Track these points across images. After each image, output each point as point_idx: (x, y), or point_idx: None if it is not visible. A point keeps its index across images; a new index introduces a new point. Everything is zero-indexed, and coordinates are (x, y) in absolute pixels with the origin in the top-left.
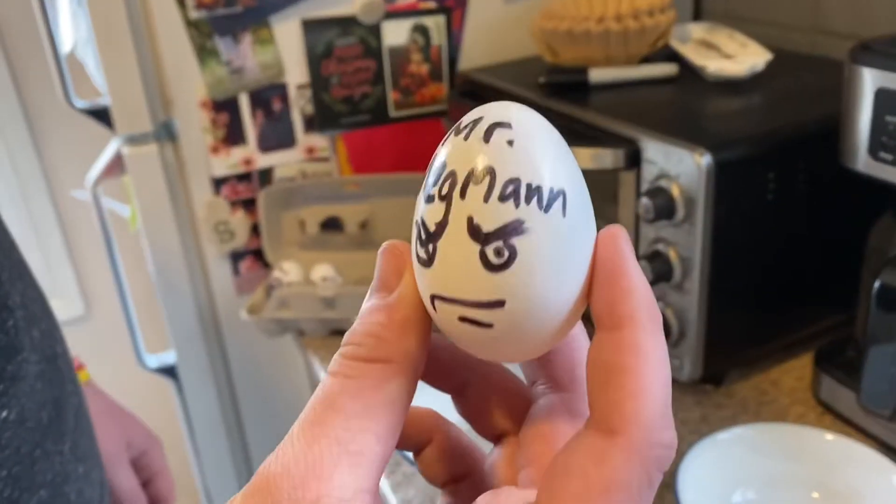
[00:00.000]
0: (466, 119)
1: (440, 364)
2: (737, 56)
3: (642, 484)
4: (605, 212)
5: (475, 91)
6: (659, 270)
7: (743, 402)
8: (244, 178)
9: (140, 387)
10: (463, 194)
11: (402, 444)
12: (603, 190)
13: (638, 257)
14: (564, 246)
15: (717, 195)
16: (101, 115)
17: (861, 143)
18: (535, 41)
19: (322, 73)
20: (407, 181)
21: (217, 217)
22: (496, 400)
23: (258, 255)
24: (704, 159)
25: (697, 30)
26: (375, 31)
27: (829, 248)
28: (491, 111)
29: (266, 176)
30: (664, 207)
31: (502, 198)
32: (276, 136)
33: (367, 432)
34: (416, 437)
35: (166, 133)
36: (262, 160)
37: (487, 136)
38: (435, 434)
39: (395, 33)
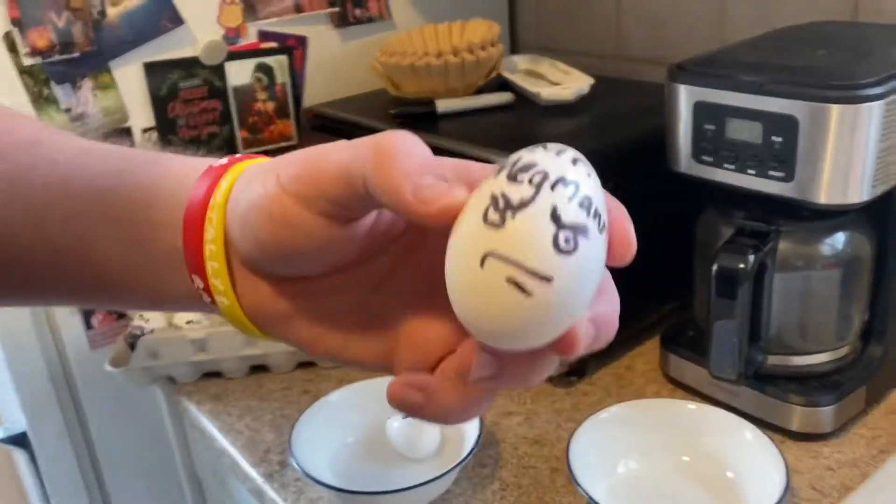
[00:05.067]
0: (549, 146)
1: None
2: (562, 82)
3: None
4: None
5: (326, 125)
6: None
7: (605, 388)
8: None
9: None
10: (553, 188)
11: None
12: None
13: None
14: (601, 265)
15: None
16: None
17: (683, 148)
18: (376, 76)
19: (168, 116)
20: None
21: None
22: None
23: None
24: None
25: (521, 61)
26: (219, 71)
27: (661, 245)
28: (569, 148)
29: None
30: None
31: (580, 205)
32: None
33: None
34: None
35: None
36: None
37: (574, 162)
38: None
39: (239, 73)
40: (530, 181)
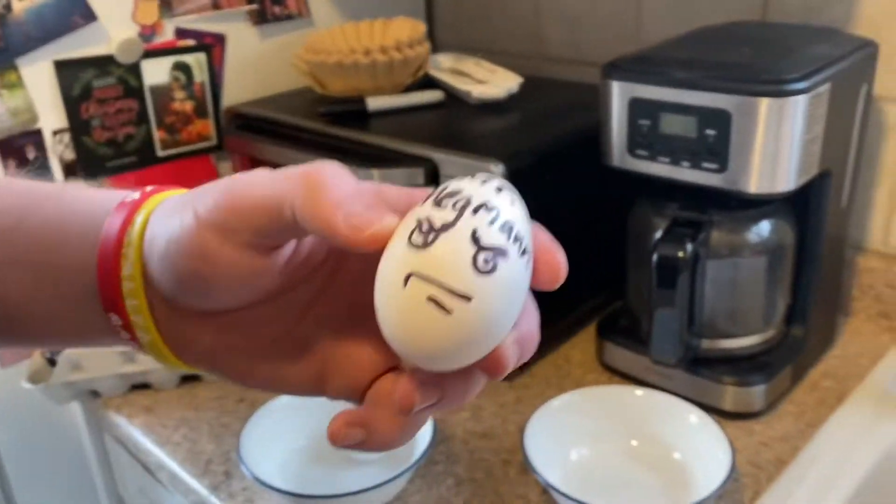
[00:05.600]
0: (478, 175)
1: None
2: (489, 81)
3: None
4: None
5: (250, 124)
6: None
7: (546, 379)
8: None
9: None
10: (475, 212)
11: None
12: None
13: None
14: (522, 287)
15: None
16: None
17: (618, 143)
18: (299, 74)
19: (81, 117)
20: None
21: None
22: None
23: None
24: (499, 169)
25: (446, 60)
26: (135, 70)
27: (595, 237)
28: (495, 178)
29: None
30: None
31: (501, 229)
32: None
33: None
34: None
35: None
36: None
37: (499, 190)
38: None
39: (156, 72)
40: (454, 206)
